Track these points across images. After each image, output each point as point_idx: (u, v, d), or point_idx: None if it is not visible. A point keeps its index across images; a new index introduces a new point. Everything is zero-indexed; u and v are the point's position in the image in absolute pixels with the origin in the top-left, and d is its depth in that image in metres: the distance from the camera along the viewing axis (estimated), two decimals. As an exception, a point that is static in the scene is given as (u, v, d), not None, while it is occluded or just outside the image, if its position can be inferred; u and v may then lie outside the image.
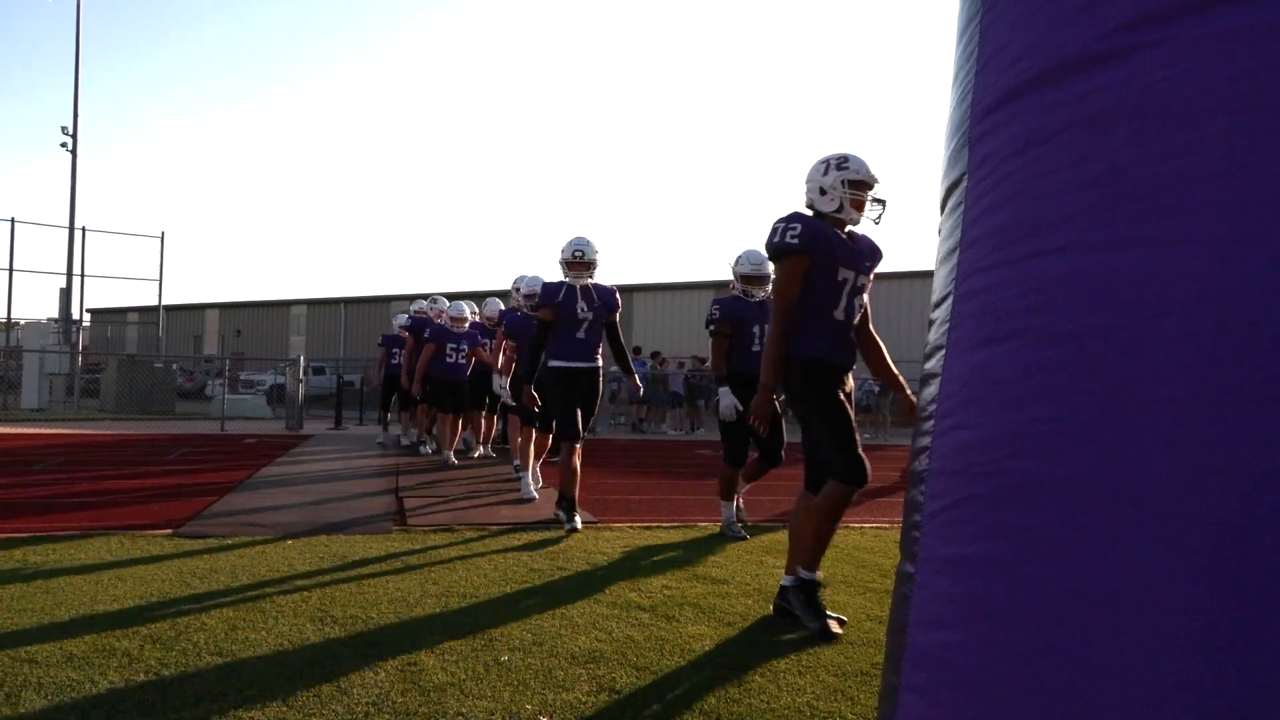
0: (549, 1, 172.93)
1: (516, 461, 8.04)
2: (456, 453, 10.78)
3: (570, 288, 5.92)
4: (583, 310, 5.90)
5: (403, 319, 11.60)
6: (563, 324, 5.85)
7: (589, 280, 5.99)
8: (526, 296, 7.90)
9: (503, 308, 9.39)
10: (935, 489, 1.44)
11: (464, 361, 9.37)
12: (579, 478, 5.90)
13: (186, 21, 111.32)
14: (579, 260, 5.97)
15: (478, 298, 10.96)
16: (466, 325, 9.61)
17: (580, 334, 5.89)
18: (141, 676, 2.87)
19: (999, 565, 1.27)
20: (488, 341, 9.42)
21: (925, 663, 1.34)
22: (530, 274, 8.13)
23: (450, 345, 9.33)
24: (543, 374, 6.13)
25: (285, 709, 2.64)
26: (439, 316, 10.30)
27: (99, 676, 2.85)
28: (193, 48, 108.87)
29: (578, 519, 5.78)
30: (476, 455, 10.16)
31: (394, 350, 11.32)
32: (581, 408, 5.92)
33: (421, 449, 10.53)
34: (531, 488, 7.07)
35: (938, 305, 1.61)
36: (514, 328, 7.74)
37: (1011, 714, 1.20)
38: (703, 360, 19.17)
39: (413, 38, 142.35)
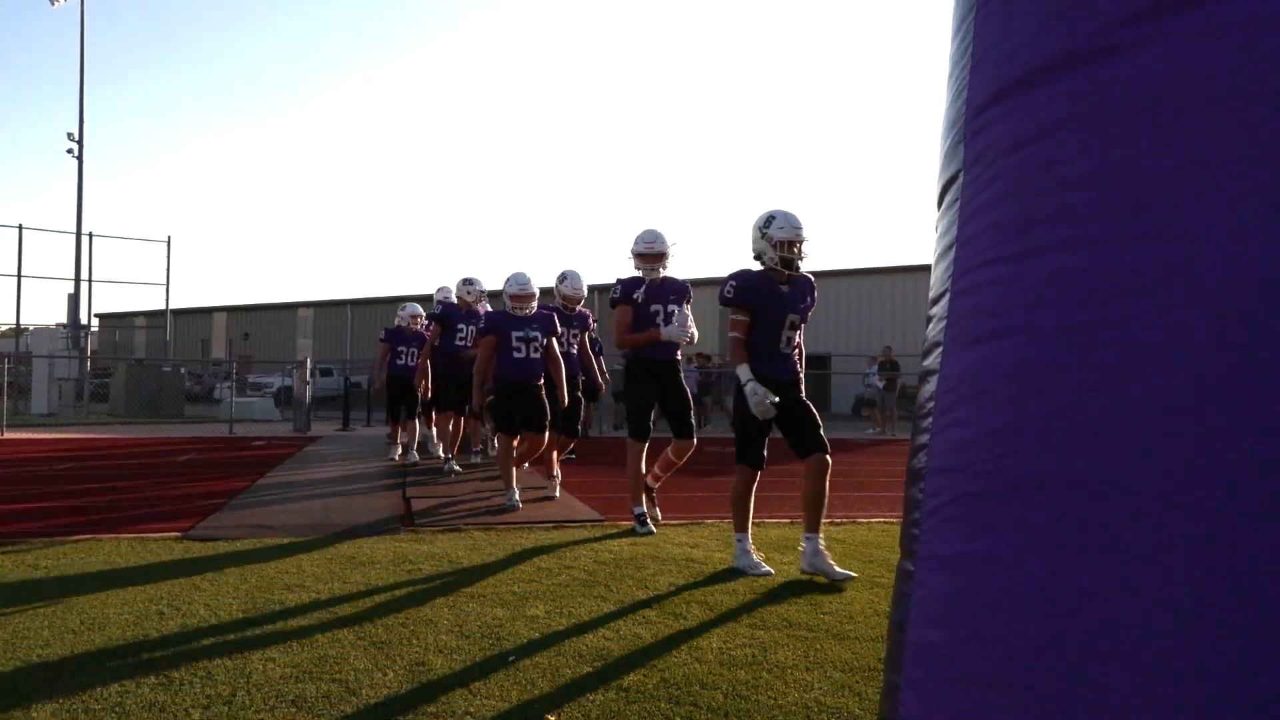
0: (551, 9, 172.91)
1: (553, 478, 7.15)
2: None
3: None
4: None
5: (414, 308, 9.94)
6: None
7: None
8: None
9: (583, 288, 7.44)
10: (934, 486, 1.44)
11: (537, 356, 6.58)
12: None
13: (191, 29, 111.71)
14: None
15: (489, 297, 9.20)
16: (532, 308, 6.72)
17: None
18: (152, 679, 2.89)
19: (998, 561, 1.28)
20: (564, 332, 7.05)
21: (925, 659, 1.35)
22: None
23: (516, 335, 6.58)
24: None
25: (295, 710, 2.65)
26: (477, 301, 8.50)
27: (109, 679, 2.87)
28: (197, 54, 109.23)
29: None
30: (478, 460, 9.33)
31: (399, 348, 9.63)
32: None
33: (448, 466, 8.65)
34: (650, 523, 5.75)
35: (935, 302, 1.61)
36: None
37: (1012, 709, 1.21)
38: (707, 358, 19.15)
39: (417, 45, 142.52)
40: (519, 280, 6.71)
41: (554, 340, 6.69)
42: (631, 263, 5.88)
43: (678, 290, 5.88)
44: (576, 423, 7.48)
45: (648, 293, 5.76)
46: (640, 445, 5.79)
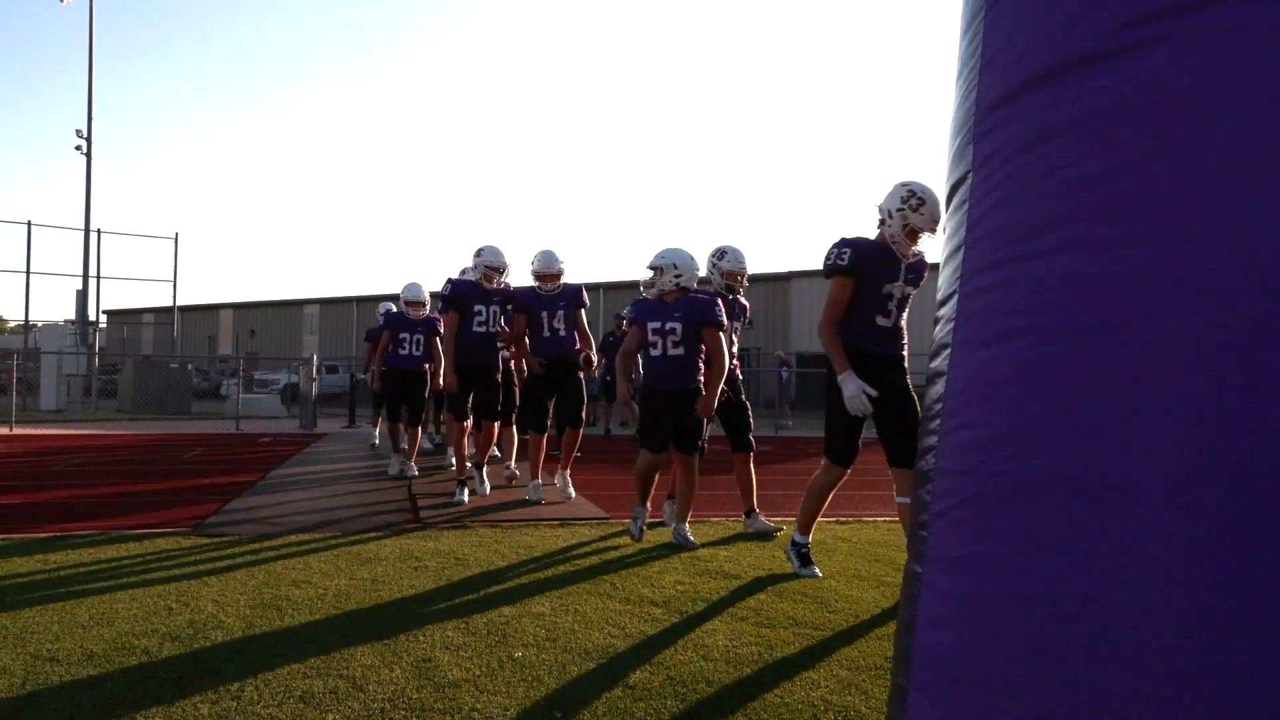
0: (550, 10, 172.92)
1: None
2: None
3: None
4: None
5: (414, 290, 8.25)
6: None
7: None
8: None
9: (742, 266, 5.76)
10: (942, 489, 1.44)
11: (678, 353, 5.20)
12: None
13: (200, 26, 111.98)
14: None
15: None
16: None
17: None
18: (160, 674, 2.90)
19: (1005, 564, 1.28)
20: (732, 326, 5.57)
21: (933, 662, 1.35)
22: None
23: (653, 327, 5.29)
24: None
25: (302, 706, 2.67)
26: (493, 280, 6.69)
27: (119, 675, 2.89)
28: (205, 52, 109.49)
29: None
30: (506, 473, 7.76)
31: (401, 335, 8.09)
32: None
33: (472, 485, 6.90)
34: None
35: (943, 303, 1.61)
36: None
37: (1018, 710, 1.21)
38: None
39: (424, 41, 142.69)
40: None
41: (713, 331, 5.14)
42: (889, 224, 4.16)
43: (919, 270, 4.34)
44: (747, 432, 5.78)
45: (889, 268, 4.20)
46: (840, 472, 4.35)
